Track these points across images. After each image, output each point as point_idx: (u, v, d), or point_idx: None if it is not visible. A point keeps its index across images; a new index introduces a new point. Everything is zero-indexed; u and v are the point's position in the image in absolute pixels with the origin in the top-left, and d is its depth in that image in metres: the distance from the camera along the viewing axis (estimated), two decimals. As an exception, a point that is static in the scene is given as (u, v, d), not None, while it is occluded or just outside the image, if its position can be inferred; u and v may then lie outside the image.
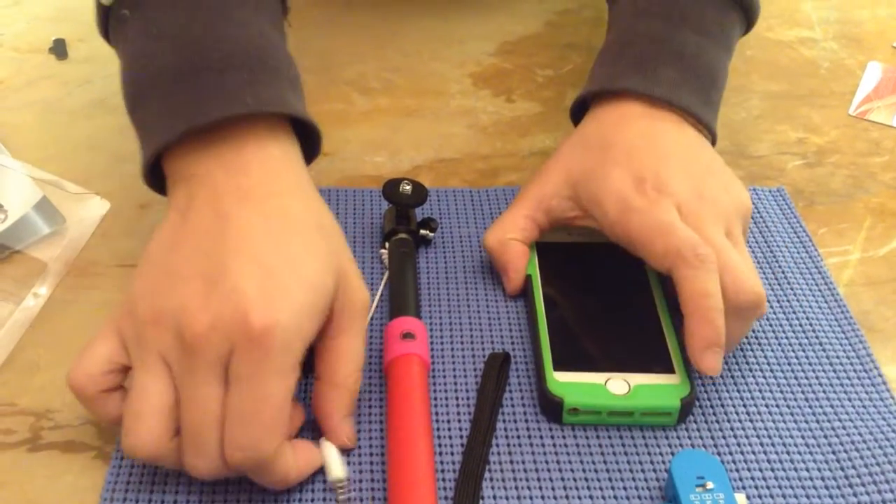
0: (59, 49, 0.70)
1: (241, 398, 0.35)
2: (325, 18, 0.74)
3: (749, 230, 0.54)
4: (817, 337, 0.48)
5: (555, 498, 0.40)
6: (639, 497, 0.40)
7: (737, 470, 0.41)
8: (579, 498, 0.40)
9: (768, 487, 0.41)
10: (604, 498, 0.40)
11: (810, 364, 0.47)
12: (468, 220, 0.55)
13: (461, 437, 0.42)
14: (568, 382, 0.43)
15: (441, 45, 0.72)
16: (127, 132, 0.61)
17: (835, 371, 0.46)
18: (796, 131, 0.64)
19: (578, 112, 0.53)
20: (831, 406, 0.44)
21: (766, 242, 0.54)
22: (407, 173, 0.59)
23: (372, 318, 0.48)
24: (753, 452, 0.42)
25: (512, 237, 0.49)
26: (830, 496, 0.40)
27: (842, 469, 0.42)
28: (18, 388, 0.45)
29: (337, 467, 0.40)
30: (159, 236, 0.40)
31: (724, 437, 0.43)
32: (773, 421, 0.44)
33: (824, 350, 0.47)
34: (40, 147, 0.60)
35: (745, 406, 0.44)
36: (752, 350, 0.47)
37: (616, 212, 0.45)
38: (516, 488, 0.40)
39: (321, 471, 0.41)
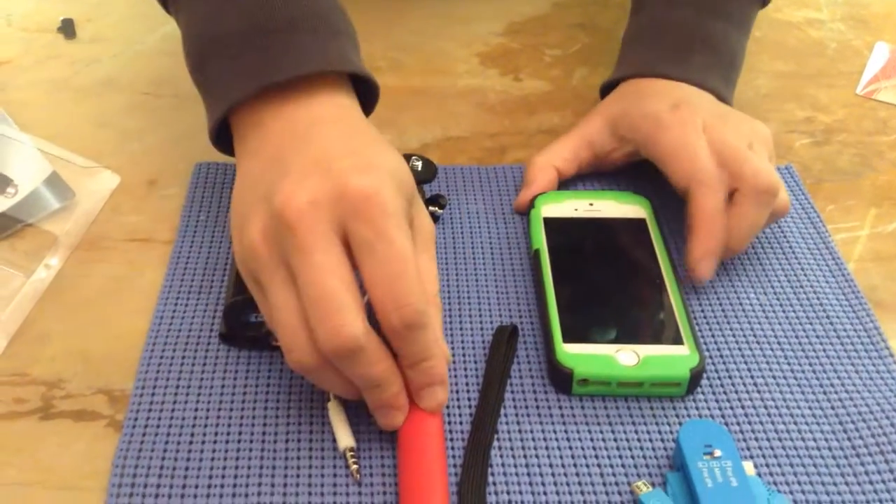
0: (68, 29, 0.70)
1: (379, 261, 0.36)
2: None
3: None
4: (825, 311, 0.48)
5: (563, 466, 0.40)
6: (647, 466, 0.40)
7: (744, 440, 0.42)
8: (587, 466, 0.40)
9: (776, 456, 0.41)
10: (612, 466, 0.40)
11: (818, 337, 0.47)
12: (476, 197, 0.55)
13: (470, 407, 0.43)
14: (577, 354, 0.43)
15: (448, 25, 0.72)
16: (135, 110, 0.62)
17: (842, 344, 0.46)
18: (804, 110, 0.64)
19: (607, 91, 0.58)
20: (838, 378, 0.45)
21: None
22: (415, 151, 0.59)
23: (381, 292, 0.49)
24: (761, 423, 0.42)
25: (556, 164, 0.54)
26: (837, 465, 0.41)
27: (849, 439, 0.42)
28: (30, 358, 0.45)
29: (346, 436, 0.41)
30: (240, 179, 0.42)
31: (731, 409, 0.43)
32: (781, 392, 0.44)
33: (832, 323, 0.47)
34: (49, 125, 0.60)
35: (752, 378, 0.44)
36: (759, 323, 0.47)
37: (648, 129, 0.50)
38: (525, 457, 0.41)
39: (331, 439, 0.41)
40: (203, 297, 0.48)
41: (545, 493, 0.39)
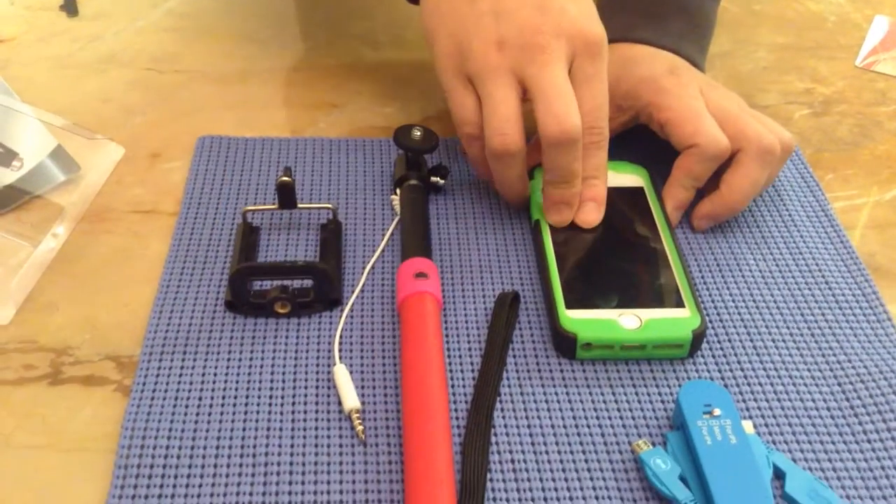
0: (70, 6, 0.70)
1: (593, 93, 0.46)
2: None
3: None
4: (823, 276, 0.49)
5: (564, 427, 0.41)
6: (647, 426, 0.41)
7: (744, 401, 0.42)
8: (588, 427, 0.41)
9: (774, 417, 0.42)
10: (612, 427, 0.41)
11: (816, 302, 0.47)
12: (477, 169, 0.56)
13: (473, 371, 0.43)
14: (580, 319, 0.44)
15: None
16: (137, 86, 0.63)
17: (840, 308, 0.47)
18: (803, 82, 0.64)
19: None
20: (837, 341, 0.45)
21: (773, 187, 0.54)
22: (417, 123, 0.59)
23: (384, 260, 0.49)
24: (760, 384, 0.43)
25: None
26: (836, 425, 0.41)
27: (847, 399, 0.42)
28: (38, 326, 0.45)
29: (352, 397, 0.41)
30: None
31: (731, 371, 0.44)
32: (780, 355, 0.44)
33: (830, 289, 0.48)
34: (53, 101, 0.61)
35: (752, 341, 0.45)
36: (758, 289, 0.48)
37: (649, 94, 0.51)
38: (527, 418, 0.41)
39: (337, 402, 0.42)
40: (208, 266, 0.48)
41: (547, 453, 0.40)
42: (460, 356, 0.44)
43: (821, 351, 0.45)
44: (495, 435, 0.40)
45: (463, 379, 0.43)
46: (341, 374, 0.42)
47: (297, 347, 0.44)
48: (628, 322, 0.44)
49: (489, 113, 0.46)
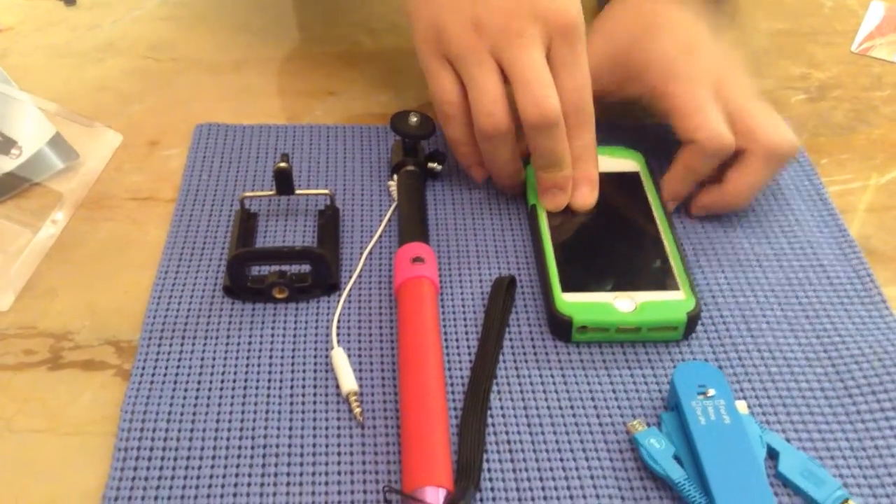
0: (67, -5, 0.71)
1: (573, 74, 0.46)
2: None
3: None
4: (818, 259, 0.49)
5: (560, 409, 0.41)
6: (642, 408, 0.41)
7: (738, 382, 0.43)
8: (584, 409, 0.41)
9: (769, 397, 0.42)
10: (608, 409, 0.41)
11: (811, 284, 0.47)
12: (474, 155, 0.56)
13: (469, 354, 0.44)
14: (576, 302, 0.44)
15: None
16: (135, 74, 0.63)
17: (835, 290, 0.47)
18: (799, 67, 0.65)
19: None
20: (831, 323, 0.45)
21: (768, 172, 0.55)
22: (414, 110, 0.60)
23: (381, 246, 0.49)
24: (754, 365, 0.43)
25: None
26: (830, 405, 0.42)
27: (841, 381, 0.43)
28: (38, 311, 0.46)
29: (350, 380, 0.41)
30: None
31: (725, 353, 0.44)
32: (774, 336, 0.45)
33: (825, 271, 0.48)
34: (51, 89, 0.61)
35: (746, 323, 0.45)
36: (753, 271, 0.48)
37: (657, 79, 0.49)
38: (523, 400, 0.42)
39: (335, 385, 0.42)
40: (206, 252, 0.49)
41: (542, 434, 0.40)
42: (457, 340, 0.44)
43: (815, 332, 0.45)
44: (492, 416, 0.41)
45: (460, 362, 0.43)
46: (339, 357, 0.43)
47: (295, 332, 0.45)
48: (623, 305, 0.44)
49: (476, 96, 0.46)
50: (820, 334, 0.45)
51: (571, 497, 0.38)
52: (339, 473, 0.38)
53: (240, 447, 0.39)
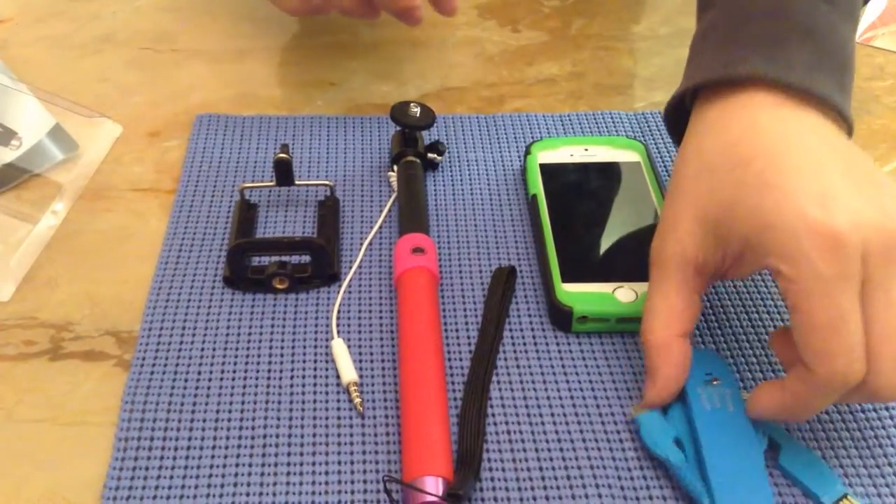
0: (67, -14, 0.70)
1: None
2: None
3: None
4: (819, 249, 0.49)
5: (560, 398, 0.41)
6: (641, 398, 0.41)
7: (738, 371, 0.43)
8: (583, 398, 0.41)
9: (769, 387, 0.42)
10: (607, 398, 0.41)
11: (812, 274, 0.47)
12: (475, 146, 0.56)
13: (469, 344, 0.44)
14: (576, 293, 0.44)
15: (446, -21, 0.72)
16: (135, 65, 0.63)
17: (836, 281, 0.47)
18: (801, 57, 0.64)
19: (675, 114, 0.43)
20: (832, 313, 0.45)
21: (769, 163, 0.55)
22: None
23: (381, 236, 0.49)
24: (755, 356, 0.43)
25: (675, 332, 0.39)
26: (830, 395, 0.42)
27: (841, 370, 0.43)
28: (38, 302, 0.46)
29: (350, 371, 0.41)
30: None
31: (725, 342, 0.44)
32: (775, 326, 0.45)
33: (826, 261, 0.48)
34: (51, 81, 0.61)
35: (747, 313, 0.45)
36: (754, 262, 0.48)
37: (777, 256, 0.34)
38: (522, 390, 0.42)
39: (335, 375, 0.42)
40: (206, 243, 0.49)
41: (542, 424, 0.40)
42: (457, 330, 0.44)
43: (816, 323, 0.45)
44: (491, 406, 0.41)
45: (460, 352, 0.43)
46: (339, 348, 0.43)
47: (295, 322, 0.45)
48: (624, 295, 0.44)
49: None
50: (820, 324, 0.45)
51: (571, 487, 0.38)
52: (339, 463, 0.38)
53: (240, 437, 0.39)
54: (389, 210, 0.51)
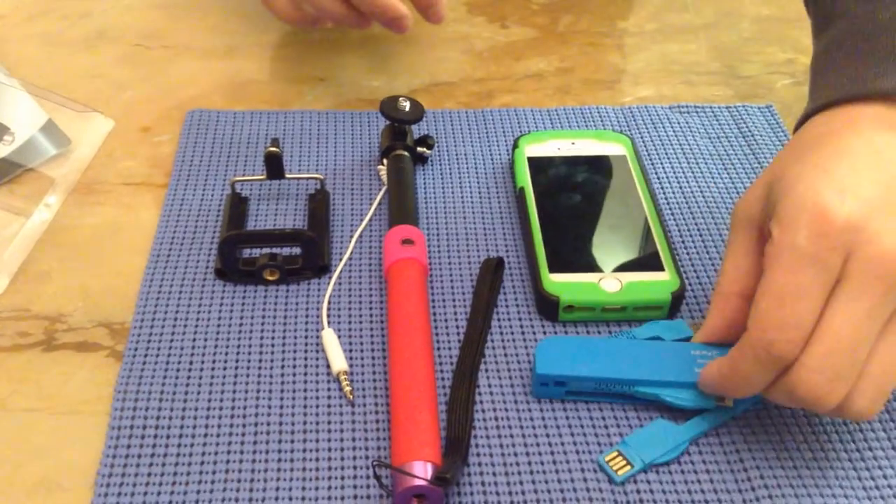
0: (58, -16, 0.71)
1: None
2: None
3: (739, 145, 0.56)
4: (802, 240, 0.50)
5: (548, 386, 0.42)
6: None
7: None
8: (571, 386, 0.42)
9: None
10: (595, 386, 0.42)
11: (794, 264, 0.48)
12: (464, 140, 0.57)
13: (458, 333, 0.44)
14: (563, 282, 0.45)
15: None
16: (126, 61, 0.63)
17: (818, 270, 0.48)
18: (785, 52, 0.65)
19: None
20: (814, 302, 0.46)
21: (754, 156, 0.55)
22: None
23: (371, 229, 0.50)
24: (738, 343, 0.44)
25: (737, 290, 0.39)
26: (811, 381, 0.42)
27: (822, 357, 0.43)
28: (32, 295, 0.46)
29: (340, 360, 0.42)
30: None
31: (710, 331, 0.45)
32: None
33: (808, 251, 0.49)
34: (43, 77, 0.61)
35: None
36: (738, 252, 0.49)
37: (770, 246, 0.35)
38: (510, 378, 0.42)
39: (325, 365, 0.43)
40: (198, 236, 0.49)
41: (529, 410, 0.41)
42: (446, 320, 0.45)
43: (798, 311, 0.46)
44: (479, 394, 0.42)
45: (449, 342, 0.44)
46: (329, 338, 0.43)
47: (285, 313, 0.45)
48: (609, 285, 0.45)
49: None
50: (802, 313, 0.46)
51: (557, 471, 0.38)
52: (329, 450, 0.39)
53: (231, 425, 0.40)
54: (379, 203, 0.52)
